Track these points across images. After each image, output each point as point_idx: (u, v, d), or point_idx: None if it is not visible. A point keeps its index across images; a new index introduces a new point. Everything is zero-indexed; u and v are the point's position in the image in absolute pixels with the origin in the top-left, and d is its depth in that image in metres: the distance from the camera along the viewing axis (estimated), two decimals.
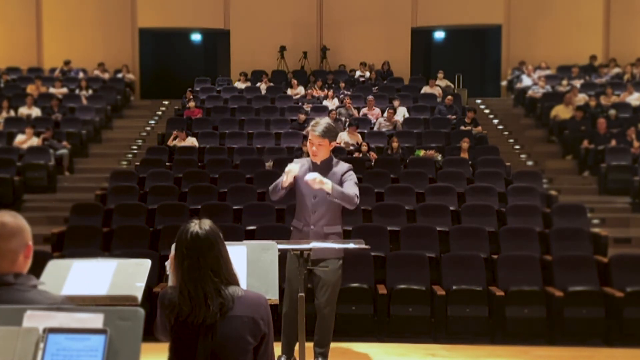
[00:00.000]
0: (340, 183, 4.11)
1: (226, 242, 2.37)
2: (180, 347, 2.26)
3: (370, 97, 13.58)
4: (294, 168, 4.05)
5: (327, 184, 3.90)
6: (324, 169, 4.15)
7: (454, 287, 6.31)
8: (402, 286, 6.32)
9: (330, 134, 4.14)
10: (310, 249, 3.66)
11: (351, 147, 11.31)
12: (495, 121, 14.54)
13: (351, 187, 4.07)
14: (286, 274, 4.19)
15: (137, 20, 17.84)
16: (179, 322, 2.25)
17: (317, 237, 4.06)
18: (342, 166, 4.21)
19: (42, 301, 2.05)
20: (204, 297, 2.22)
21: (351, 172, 4.18)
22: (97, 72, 16.29)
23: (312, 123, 4.23)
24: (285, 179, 4.06)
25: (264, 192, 8.44)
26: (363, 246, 3.72)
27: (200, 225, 2.30)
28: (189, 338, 2.24)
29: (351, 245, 3.77)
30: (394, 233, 7.46)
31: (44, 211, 10.03)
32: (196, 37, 19.60)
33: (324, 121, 4.21)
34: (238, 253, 2.94)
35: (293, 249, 3.79)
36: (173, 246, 2.98)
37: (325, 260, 4.05)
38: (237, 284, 2.33)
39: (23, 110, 13.40)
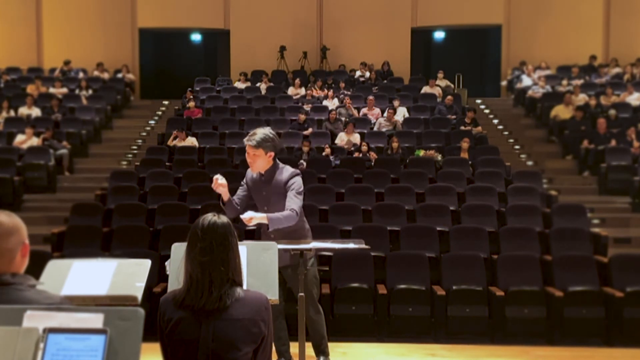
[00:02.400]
0: (285, 192, 4.01)
1: None
2: (181, 351, 2.26)
3: (370, 97, 13.58)
4: (219, 179, 3.95)
5: (262, 218, 3.80)
6: (269, 179, 4.07)
7: (454, 287, 6.31)
8: (402, 286, 6.32)
9: (265, 144, 3.99)
10: (310, 249, 3.67)
11: (352, 148, 11.32)
12: (495, 121, 14.54)
13: (290, 201, 3.94)
14: None
15: (137, 20, 17.84)
16: (179, 324, 2.26)
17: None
18: (286, 173, 4.07)
19: (41, 301, 2.04)
20: (209, 283, 2.26)
21: (295, 180, 4.04)
22: (96, 72, 16.29)
23: (250, 133, 4.10)
24: (222, 193, 3.99)
25: None
26: (363, 246, 3.72)
27: (218, 217, 2.39)
28: (190, 341, 2.24)
29: (351, 245, 3.77)
30: (394, 233, 7.47)
31: (44, 211, 10.02)
32: (196, 37, 19.60)
33: (260, 131, 4.06)
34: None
35: (293, 249, 3.79)
36: (174, 245, 3.00)
37: (293, 265, 3.96)
38: (240, 284, 2.36)
39: (23, 110, 13.39)
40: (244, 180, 4.25)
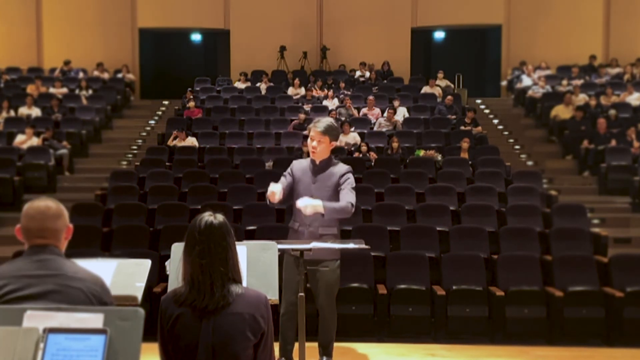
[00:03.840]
0: (338, 185, 4.07)
1: None
2: (181, 345, 2.26)
3: (370, 97, 13.58)
4: (276, 190, 3.95)
5: (319, 206, 3.84)
6: (323, 168, 4.13)
7: (454, 287, 6.31)
8: (402, 286, 6.32)
9: (331, 132, 4.10)
10: (310, 249, 3.66)
11: (352, 148, 11.32)
12: (495, 121, 14.54)
13: (347, 195, 4.01)
14: (283, 274, 4.15)
15: (137, 20, 17.84)
16: (180, 319, 2.26)
17: (312, 237, 4.01)
18: (341, 167, 4.15)
19: (84, 273, 2.27)
20: (210, 284, 2.27)
21: (349, 175, 4.12)
22: (96, 73, 16.29)
23: (314, 120, 4.20)
24: (271, 195, 3.99)
25: (264, 192, 8.38)
26: (363, 246, 3.72)
27: (214, 216, 2.38)
28: (190, 335, 2.25)
29: (351, 245, 3.77)
30: (394, 233, 7.46)
31: None
32: (196, 37, 19.60)
33: (326, 119, 4.19)
34: (238, 253, 2.94)
35: (293, 249, 3.78)
36: (174, 245, 3.00)
37: (322, 262, 4.04)
38: (240, 281, 2.37)
39: (23, 110, 13.39)
40: (289, 170, 4.26)
